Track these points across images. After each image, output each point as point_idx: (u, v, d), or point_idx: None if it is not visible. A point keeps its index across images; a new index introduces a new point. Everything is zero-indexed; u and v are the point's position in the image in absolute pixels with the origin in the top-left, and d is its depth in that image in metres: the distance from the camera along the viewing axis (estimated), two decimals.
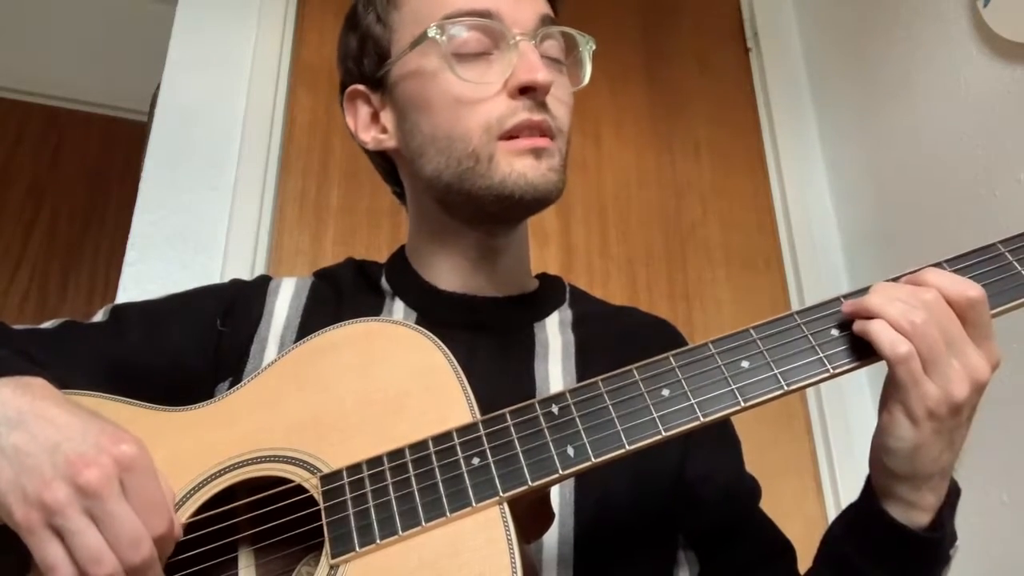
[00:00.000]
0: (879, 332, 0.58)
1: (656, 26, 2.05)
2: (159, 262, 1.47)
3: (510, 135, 0.74)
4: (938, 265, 0.63)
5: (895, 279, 0.63)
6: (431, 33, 0.76)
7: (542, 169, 0.74)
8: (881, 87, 1.78)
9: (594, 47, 0.82)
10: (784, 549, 0.79)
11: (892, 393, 0.60)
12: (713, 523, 0.77)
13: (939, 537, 0.62)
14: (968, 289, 0.59)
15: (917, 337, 0.57)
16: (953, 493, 0.64)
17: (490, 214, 0.77)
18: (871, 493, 0.64)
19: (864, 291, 0.62)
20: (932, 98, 1.64)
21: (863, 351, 0.60)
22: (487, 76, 0.75)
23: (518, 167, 0.73)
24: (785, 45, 2.08)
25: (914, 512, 0.62)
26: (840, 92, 1.94)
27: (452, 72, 0.75)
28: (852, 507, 0.67)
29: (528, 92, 0.74)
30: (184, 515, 0.61)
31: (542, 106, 0.75)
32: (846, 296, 0.63)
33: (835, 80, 1.96)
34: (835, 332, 0.62)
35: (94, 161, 2.61)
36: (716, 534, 0.77)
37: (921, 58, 1.67)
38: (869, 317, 0.59)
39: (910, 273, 0.63)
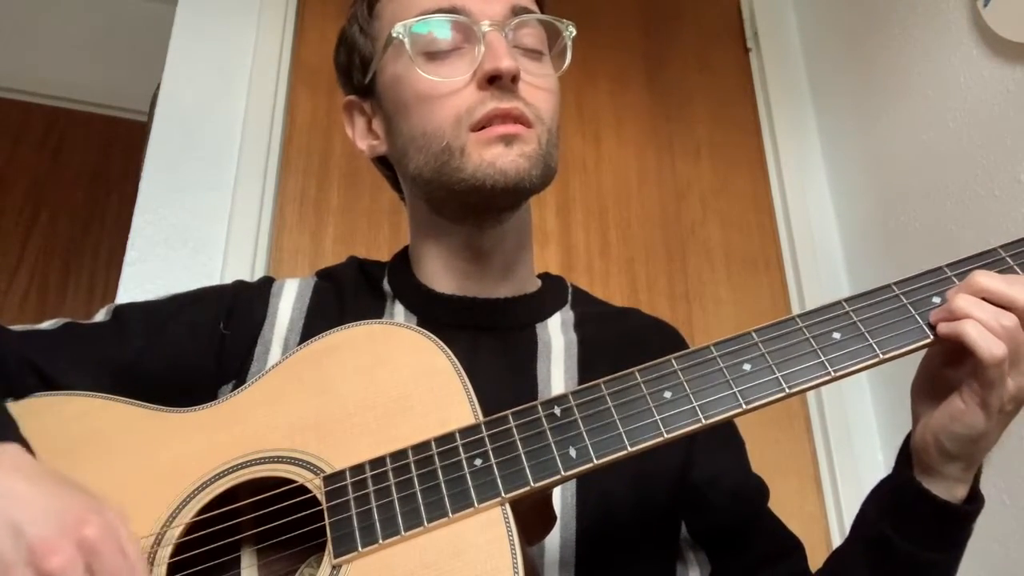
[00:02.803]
0: (976, 336, 0.59)
1: (656, 26, 2.05)
2: (159, 262, 1.47)
3: (481, 125, 0.74)
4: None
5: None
6: (395, 34, 0.77)
7: (511, 156, 0.73)
8: (881, 87, 1.78)
9: (574, 32, 0.81)
10: (793, 547, 0.79)
11: (973, 387, 0.61)
12: (722, 524, 0.77)
13: (979, 508, 0.65)
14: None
15: (1009, 339, 0.59)
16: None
17: (471, 208, 0.78)
18: (908, 475, 0.65)
19: (880, 290, 0.63)
20: (932, 98, 1.64)
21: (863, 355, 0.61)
22: (457, 70, 0.75)
23: (487, 156, 0.73)
24: (785, 45, 2.08)
25: (957, 487, 0.64)
26: (840, 92, 1.93)
27: (417, 69, 0.75)
28: (885, 491, 0.68)
29: (495, 81, 0.74)
30: (187, 516, 0.61)
31: (513, 94, 0.75)
32: (848, 300, 0.63)
33: (835, 80, 1.96)
34: (837, 336, 0.62)
35: (94, 161, 2.60)
36: (725, 535, 0.77)
37: (921, 58, 1.67)
38: (955, 319, 0.61)
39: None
